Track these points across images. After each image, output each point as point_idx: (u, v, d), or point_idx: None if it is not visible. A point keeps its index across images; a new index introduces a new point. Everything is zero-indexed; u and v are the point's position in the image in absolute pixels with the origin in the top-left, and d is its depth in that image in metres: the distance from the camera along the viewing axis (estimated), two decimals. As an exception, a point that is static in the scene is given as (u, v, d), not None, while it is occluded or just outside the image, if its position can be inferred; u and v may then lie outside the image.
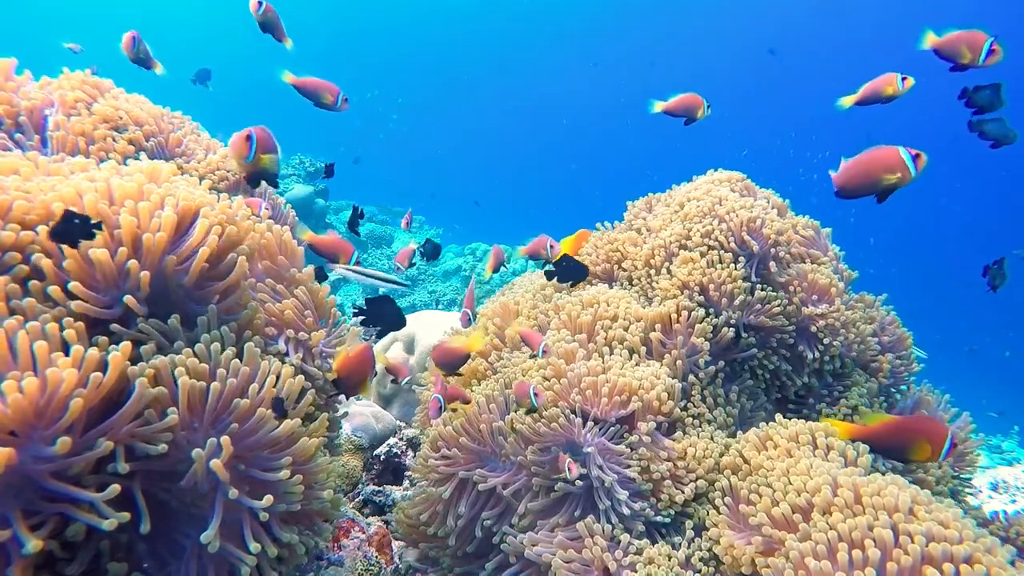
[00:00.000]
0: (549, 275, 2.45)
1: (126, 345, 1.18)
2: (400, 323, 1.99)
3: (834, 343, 2.17)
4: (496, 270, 3.14)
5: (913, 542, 1.33)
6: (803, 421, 1.88)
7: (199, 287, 1.43)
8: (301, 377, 1.43)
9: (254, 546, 1.22)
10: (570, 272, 2.44)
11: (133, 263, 1.28)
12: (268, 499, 1.21)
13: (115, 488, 1.08)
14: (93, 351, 1.13)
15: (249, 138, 1.88)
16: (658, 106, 2.90)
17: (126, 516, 1.10)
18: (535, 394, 1.77)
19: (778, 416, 1.94)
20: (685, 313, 2.11)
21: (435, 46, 37.80)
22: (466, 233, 13.02)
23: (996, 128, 2.55)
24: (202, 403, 1.24)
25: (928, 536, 1.34)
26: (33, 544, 1.00)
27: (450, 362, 2.01)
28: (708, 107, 2.88)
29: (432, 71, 39.59)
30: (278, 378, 1.37)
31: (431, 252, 3.24)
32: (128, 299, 1.28)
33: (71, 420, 1.06)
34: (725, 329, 2.11)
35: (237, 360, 1.32)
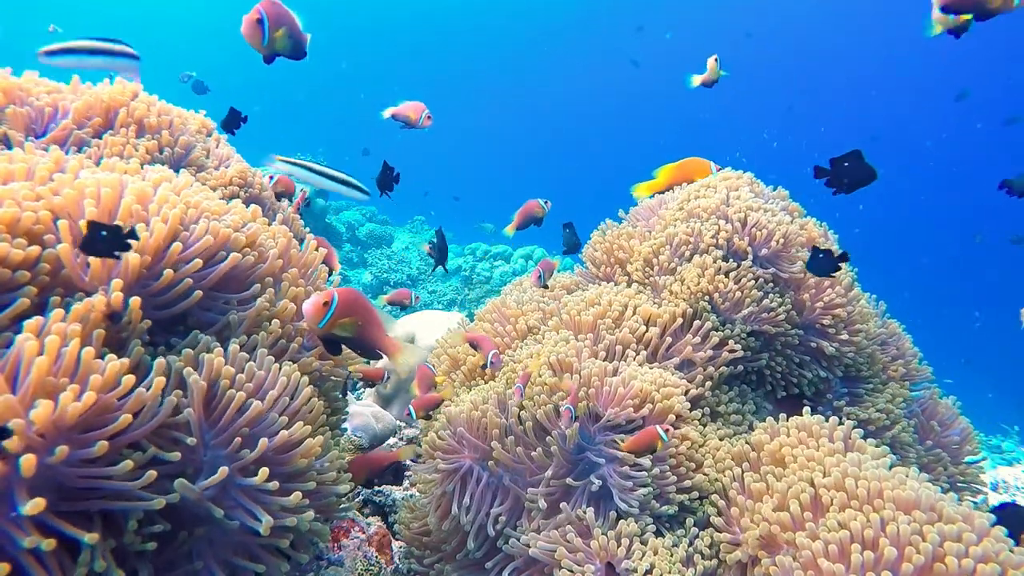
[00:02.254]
0: (814, 268, 2.09)
1: (160, 361, 1.24)
2: None
3: (854, 338, 2.17)
4: (522, 228, 3.00)
5: (925, 540, 1.31)
6: (817, 416, 1.86)
7: (211, 297, 1.47)
8: (306, 379, 1.47)
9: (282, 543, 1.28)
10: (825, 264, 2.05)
11: (168, 272, 1.33)
12: (297, 496, 1.27)
13: (127, 463, 1.11)
14: (126, 366, 1.17)
15: (260, 21, 1.69)
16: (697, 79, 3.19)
17: (177, 496, 1.17)
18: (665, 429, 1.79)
19: (806, 410, 1.93)
20: (694, 317, 2.10)
21: (435, 45, 37.81)
22: (467, 233, 13.00)
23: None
24: (220, 411, 1.28)
25: (943, 535, 1.33)
26: (89, 537, 1.04)
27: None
28: (720, 70, 3.15)
29: (433, 70, 39.58)
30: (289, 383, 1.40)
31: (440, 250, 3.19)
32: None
33: (116, 429, 1.11)
34: (734, 334, 2.10)
35: (253, 364, 1.36)
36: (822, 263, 2.11)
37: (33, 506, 0.97)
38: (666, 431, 1.72)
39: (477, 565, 1.94)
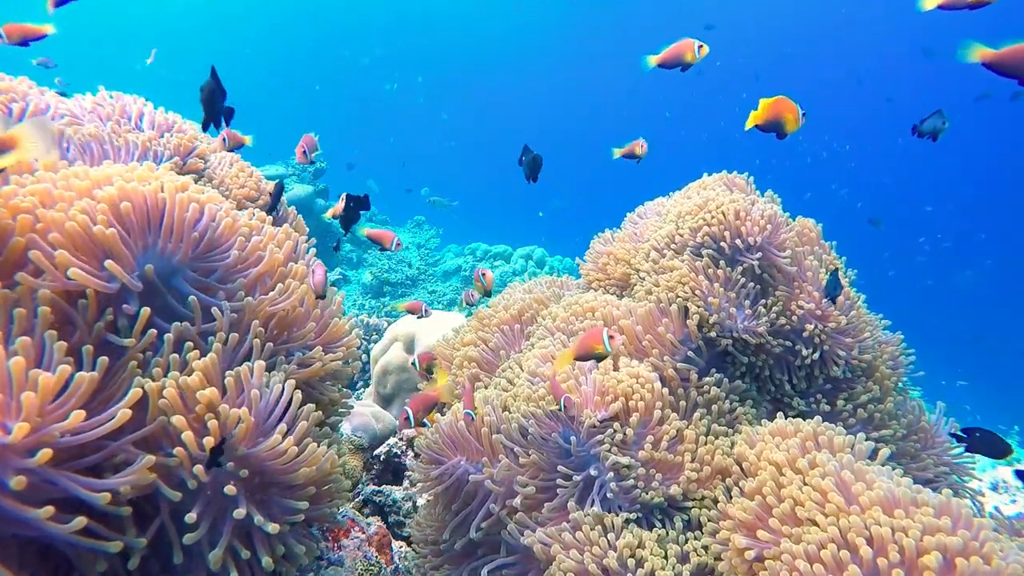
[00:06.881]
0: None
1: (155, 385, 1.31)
2: None
3: (852, 353, 2.16)
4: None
5: (908, 536, 1.33)
6: (799, 420, 1.87)
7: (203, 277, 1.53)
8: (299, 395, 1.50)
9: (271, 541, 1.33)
10: None
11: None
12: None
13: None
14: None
15: None
16: None
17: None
18: (610, 336, 1.80)
19: (779, 415, 1.94)
20: (674, 313, 2.11)
21: (437, 44, 37.80)
22: (466, 233, 13.04)
23: (933, 124, 2.62)
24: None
25: (923, 530, 1.34)
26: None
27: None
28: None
29: (435, 68, 39.57)
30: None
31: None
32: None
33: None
34: (715, 334, 2.10)
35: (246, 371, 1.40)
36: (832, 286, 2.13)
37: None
38: (610, 338, 1.76)
39: (475, 559, 1.97)
